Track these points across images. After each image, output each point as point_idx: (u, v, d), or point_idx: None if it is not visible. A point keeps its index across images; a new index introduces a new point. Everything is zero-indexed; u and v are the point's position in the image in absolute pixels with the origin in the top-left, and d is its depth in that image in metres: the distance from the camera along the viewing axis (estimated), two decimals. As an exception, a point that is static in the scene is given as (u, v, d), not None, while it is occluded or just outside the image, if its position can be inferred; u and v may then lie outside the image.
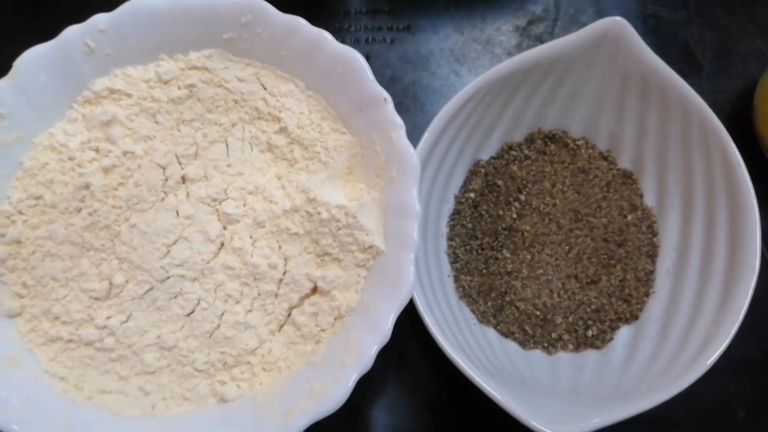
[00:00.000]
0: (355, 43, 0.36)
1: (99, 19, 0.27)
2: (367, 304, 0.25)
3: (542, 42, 0.35)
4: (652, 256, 0.30)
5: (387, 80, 0.35)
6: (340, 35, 0.36)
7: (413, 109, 0.34)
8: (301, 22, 0.27)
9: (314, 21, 0.35)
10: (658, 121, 0.30)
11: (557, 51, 0.28)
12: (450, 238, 0.31)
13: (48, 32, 0.27)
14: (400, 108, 0.33)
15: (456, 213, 0.31)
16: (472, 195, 0.31)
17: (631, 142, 0.31)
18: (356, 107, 0.27)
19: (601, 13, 0.36)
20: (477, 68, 0.35)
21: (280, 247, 0.26)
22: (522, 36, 0.36)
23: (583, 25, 0.35)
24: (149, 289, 0.25)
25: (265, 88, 0.28)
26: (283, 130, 0.27)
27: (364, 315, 0.24)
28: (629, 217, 0.31)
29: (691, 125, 0.28)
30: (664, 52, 0.35)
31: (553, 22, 0.36)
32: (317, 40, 0.27)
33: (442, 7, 0.36)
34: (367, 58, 0.35)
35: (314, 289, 0.26)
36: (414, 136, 0.27)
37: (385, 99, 0.26)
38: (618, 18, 0.28)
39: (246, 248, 0.25)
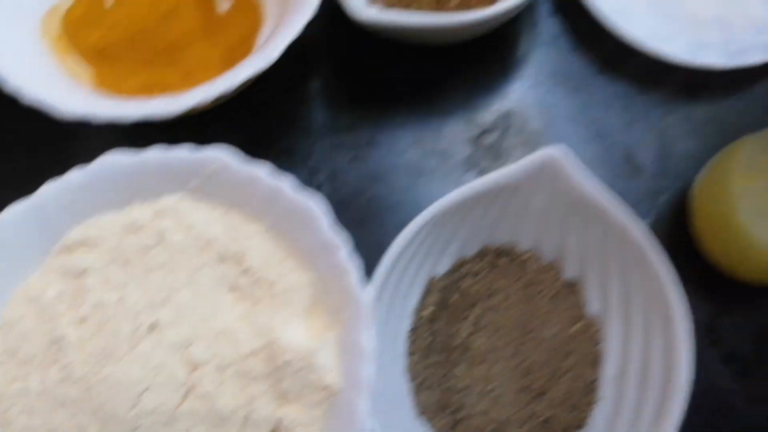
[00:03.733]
0: (318, 161, 0.38)
1: (74, 176, 0.29)
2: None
3: (493, 150, 0.38)
4: (596, 364, 0.32)
5: (349, 196, 0.37)
6: (303, 154, 0.38)
7: (373, 225, 0.36)
8: (260, 174, 0.29)
9: (280, 139, 0.38)
10: (599, 239, 0.32)
11: (502, 180, 0.31)
12: (410, 354, 0.33)
13: (26, 183, 0.30)
14: (361, 224, 0.36)
15: (414, 329, 0.34)
16: (428, 311, 0.34)
17: (575, 254, 0.34)
18: (315, 249, 0.29)
19: (547, 122, 0.39)
20: (433, 180, 0.38)
21: (243, 389, 0.28)
22: (475, 146, 0.38)
23: (531, 134, 0.39)
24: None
25: (231, 230, 0.30)
26: (247, 270, 0.30)
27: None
28: (574, 328, 0.33)
29: (628, 248, 0.31)
30: (607, 157, 0.38)
31: (502, 132, 0.39)
32: (275, 190, 0.29)
33: (399, 122, 0.39)
34: (332, 174, 0.38)
35: (275, 430, 0.28)
36: (375, 251, 0.30)
37: (338, 246, 0.28)
38: (555, 150, 0.30)
39: (211, 392, 0.27)
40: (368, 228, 0.36)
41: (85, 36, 0.37)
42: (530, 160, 0.30)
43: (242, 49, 0.38)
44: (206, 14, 0.39)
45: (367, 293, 0.27)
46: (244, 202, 0.30)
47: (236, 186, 0.30)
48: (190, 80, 0.36)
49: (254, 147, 0.37)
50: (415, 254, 0.32)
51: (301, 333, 0.28)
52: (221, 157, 0.29)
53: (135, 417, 0.27)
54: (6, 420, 0.27)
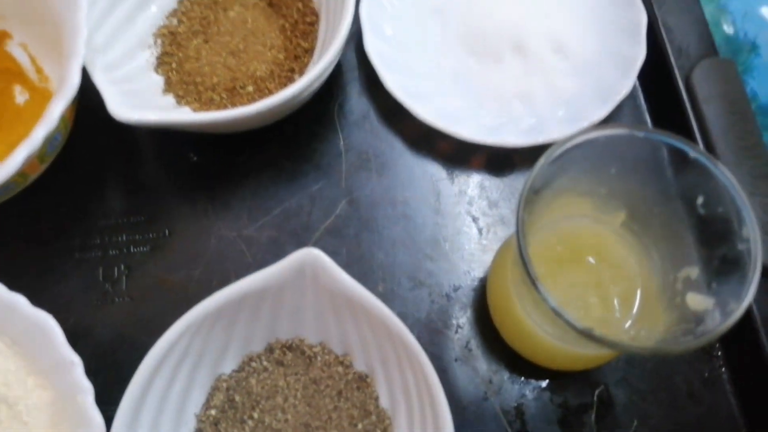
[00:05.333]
0: (117, 253, 0.37)
1: None
2: None
3: (298, 237, 0.38)
4: (385, 460, 0.31)
5: (143, 288, 0.36)
6: (101, 247, 0.37)
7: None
8: (-4, 289, 0.28)
9: (76, 231, 0.36)
10: (371, 332, 0.31)
11: (262, 281, 0.30)
12: (191, 461, 0.31)
13: None
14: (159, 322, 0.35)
15: (199, 433, 0.32)
16: (213, 413, 0.32)
17: (359, 347, 0.33)
18: (53, 366, 0.27)
19: (355, 203, 0.38)
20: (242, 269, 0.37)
21: None
22: (279, 231, 0.38)
23: (338, 216, 0.38)
24: None
25: (-27, 346, 0.29)
26: (-13, 389, 0.28)
27: None
28: (360, 425, 0.32)
29: (394, 341, 0.30)
30: (415, 238, 0.38)
31: (308, 215, 0.38)
32: (12, 303, 0.28)
33: (201, 210, 0.38)
34: (128, 268, 0.37)
35: None
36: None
37: (73, 362, 0.27)
38: (313, 249, 0.30)
39: None
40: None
41: None
42: (289, 261, 0.30)
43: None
44: (1, 109, 0.38)
45: (99, 414, 0.26)
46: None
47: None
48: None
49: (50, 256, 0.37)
50: (185, 356, 0.31)
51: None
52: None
53: None
54: None
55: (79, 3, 0.32)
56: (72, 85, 0.31)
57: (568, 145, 0.25)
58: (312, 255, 0.30)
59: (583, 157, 0.26)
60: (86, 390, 0.26)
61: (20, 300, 0.28)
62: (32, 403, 0.28)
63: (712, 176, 0.25)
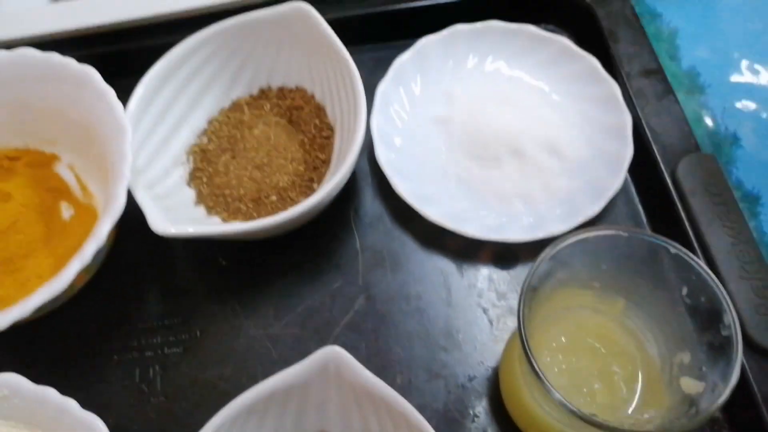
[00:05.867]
0: (152, 354, 0.40)
1: None
2: None
3: (320, 333, 0.40)
4: None
5: (176, 387, 0.39)
6: (138, 349, 0.40)
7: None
8: (49, 394, 0.31)
9: (116, 334, 0.39)
10: (392, 424, 0.33)
11: (289, 379, 0.32)
12: None
13: None
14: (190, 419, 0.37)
15: None
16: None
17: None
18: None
19: (370, 301, 0.41)
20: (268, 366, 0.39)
21: None
22: (302, 328, 0.40)
23: (356, 312, 0.41)
24: None
25: (27, 448, 0.31)
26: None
27: None
28: None
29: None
30: (428, 331, 0.40)
31: (329, 311, 0.41)
32: (64, 406, 0.30)
33: (230, 310, 0.41)
34: (162, 369, 0.39)
35: None
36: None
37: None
38: (335, 347, 0.32)
39: None
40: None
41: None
42: (313, 359, 0.32)
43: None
44: (49, 224, 0.42)
45: None
46: (38, 421, 0.31)
47: (29, 406, 0.31)
48: (21, 290, 0.39)
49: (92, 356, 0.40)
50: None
51: None
52: (12, 380, 0.31)
53: None
54: None
55: (125, 132, 0.37)
56: (119, 205, 0.35)
57: (562, 245, 0.28)
58: (335, 353, 0.32)
59: (577, 254, 0.29)
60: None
61: (71, 403, 0.30)
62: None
63: (692, 269, 0.27)
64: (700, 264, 0.27)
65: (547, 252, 0.28)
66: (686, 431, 0.25)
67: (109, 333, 0.40)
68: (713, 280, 0.27)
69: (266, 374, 0.33)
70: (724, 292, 0.26)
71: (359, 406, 0.34)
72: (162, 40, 0.45)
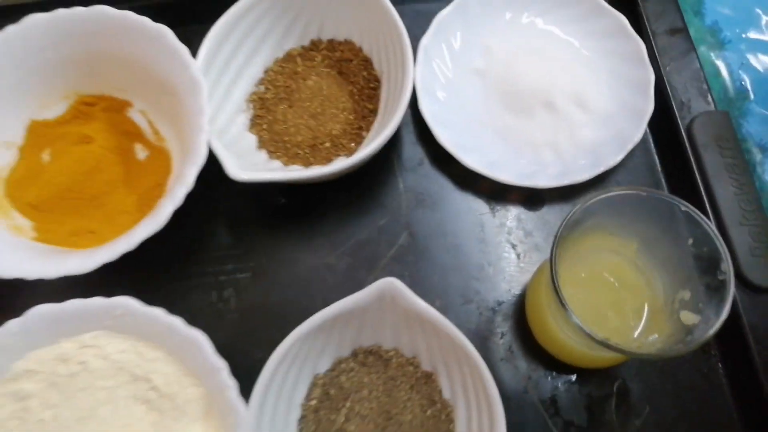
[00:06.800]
0: (225, 279, 0.46)
1: (11, 325, 0.37)
2: None
3: (369, 264, 0.47)
4: (449, 438, 0.40)
5: (247, 306, 0.45)
6: (214, 274, 0.46)
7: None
8: (158, 313, 0.37)
9: (194, 260, 0.46)
10: (437, 342, 0.40)
11: (352, 304, 0.39)
12: (298, 439, 0.40)
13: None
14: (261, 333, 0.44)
15: (302, 418, 0.41)
16: (313, 403, 0.41)
17: (425, 351, 0.41)
18: (203, 370, 0.37)
19: (413, 237, 0.47)
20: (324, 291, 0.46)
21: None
22: (354, 259, 0.47)
23: (400, 246, 0.47)
24: None
25: (139, 356, 0.38)
26: (154, 388, 0.37)
27: None
28: (429, 412, 0.41)
29: (457, 350, 0.39)
30: (463, 263, 0.46)
31: (376, 245, 0.47)
32: (170, 326, 0.37)
33: (291, 243, 0.47)
34: (235, 291, 0.46)
35: None
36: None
37: (221, 367, 0.36)
38: (390, 279, 0.38)
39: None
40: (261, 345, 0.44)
41: (23, 194, 0.45)
42: (373, 288, 0.38)
43: (155, 193, 0.46)
44: (127, 164, 0.47)
45: (243, 404, 0.35)
46: (148, 335, 0.38)
47: (140, 323, 0.38)
48: (110, 224, 0.45)
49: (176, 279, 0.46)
50: (295, 359, 0.40)
51: (196, 436, 0.36)
52: (125, 302, 0.37)
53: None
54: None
55: (201, 88, 0.41)
56: (202, 155, 0.40)
57: (591, 201, 0.34)
58: (391, 283, 0.38)
59: (603, 208, 0.35)
60: (232, 387, 0.35)
61: (177, 321, 0.37)
62: (188, 398, 0.37)
63: (699, 225, 0.33)
64: (706, 221, 0.33)
65: (579, 206, 0.33)
66: (682, 354, 0.31)
67: (188, 261, 0.47)
68: (715, 235, 0.32)
69: (323, 297, 0.40)
70: (724, 245, 0.32)
71: (409, 326, 0.41)
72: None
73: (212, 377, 0.36)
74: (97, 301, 0.38)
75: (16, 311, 0.38)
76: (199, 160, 0.40)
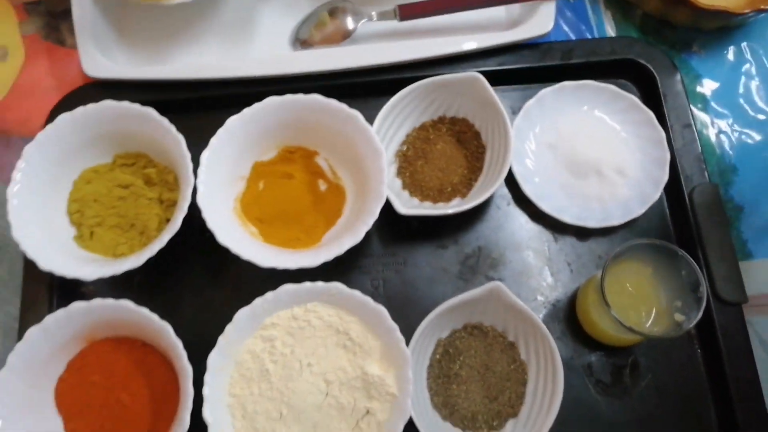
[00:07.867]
0: (377, 272, 0.71)
1: (268, 295, 0.62)
2: (391, 419, 0.59)
3: (473, 269, 0.71)
4: (524, 383, 0.64)
5: (394, 296, 0.70)
6: (368, 270, 0.71)
7: (408, 310, 0.68)
8: (356, 294, 0.62)
9: (358, 259, 0.70)
10: (522, 324, 0.64)
11: (467, 298, 0.63)
12: (428, 379, 0.65)
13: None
14: (400, 311, 0.68)
15: (430, 366, 0.66)
16: (438, 356, 0.66)
17: (513, 330, 0.66)
18: (383, 331, 0.61)
19: (500, 253, 0.71)
20: (440, 285, 0.70)
21: (351, 393, 0.60)
22: (462, 267, 0.71)
23: (492, 259, 0.71)
24: (298, 415, 0.59)
25: (341, 320, 0.62)
26: (350, 339, 0.62)
27: (391, 424, 0.58)
28: (512, 367, 0.65)
29: (534, 329, 0.63)
30: (533, 271, 0.70)
31: (476, 258, 0.71)
32: (363, 301, 0.61)
33: (425, 249, 0.71)
34: (384, 282, 0.70)
35: (367, 411, 0.60)
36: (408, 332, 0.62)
37: (395, 329, 0.60)
38: (497, 282, 0.62)
39: (337, 395, 0.59)
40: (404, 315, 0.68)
41: (251, 211, 0.70)
42: (484, 288, 0.62)
43: (335, 215, 0.70)
44: (314, 194, 0.72)
45: (407, 352, 0.60)
46: (347, 307, 0.62)
47: (344, 299, 0.62)
48: (308, 234, 0.69)
49: (342, 265, 0.70)
50: (431, 330, 0.64)
51: (377, 369, 0.61)
52: (337, 286, 0.62)
53: (304, 406, 0.59)
54: (243, 406, 0.60)
55: (381, 155, 0.65)
56: (383, 197, 0.64)
57: (625, 246, 0.58)
58: (497, 285, 0.63)
59: (631, 251, 0.59)
60: (401, 340, 0.60)
61: (367, 298, 0.61)
62: (371, 346, 0.61)
63: (689, 263, 0.57)
64: (693, 262, 0.56)
65: (619, 249, 0.57)
66: (676, 335, 0.55)
67: (353, 257, 0.71)
68: (698, 270, 0.56)
69: (444, 291, 0.65)
70: (703, 276, 0.56)
71: (505, 318, 0.65)
72: (376, 77, 0.73)
73: (388, 335, 0.61)
74: (320, 284, 0.62)
75: (266, 287, 0.62)
76: (382, 200, 0.64)
